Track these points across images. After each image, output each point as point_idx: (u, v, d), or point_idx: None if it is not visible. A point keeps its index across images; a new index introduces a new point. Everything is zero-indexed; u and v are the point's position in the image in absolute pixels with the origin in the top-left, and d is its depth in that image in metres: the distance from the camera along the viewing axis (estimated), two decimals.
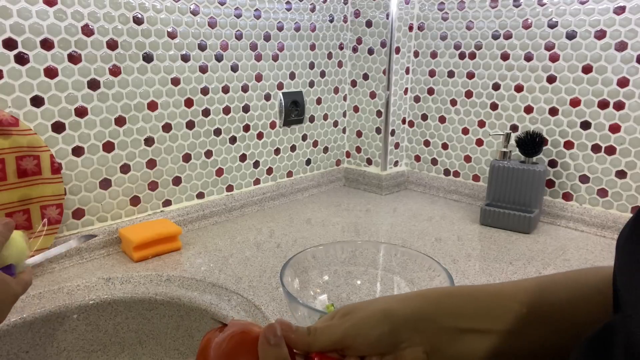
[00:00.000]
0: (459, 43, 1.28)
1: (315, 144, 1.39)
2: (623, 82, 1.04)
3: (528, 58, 1.17)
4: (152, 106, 1.01)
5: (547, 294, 0.42)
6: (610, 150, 1.08)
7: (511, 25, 1.18)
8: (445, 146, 1.37)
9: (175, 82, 1.03)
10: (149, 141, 1.02)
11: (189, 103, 1.07)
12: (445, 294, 0.43)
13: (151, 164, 1.03)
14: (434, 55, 1.34)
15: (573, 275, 0.45)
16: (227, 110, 1.14)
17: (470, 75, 1.28)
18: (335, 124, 1.43)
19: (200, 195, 1.14)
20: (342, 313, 0.41)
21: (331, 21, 1.33)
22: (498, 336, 0.40)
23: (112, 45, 0.92)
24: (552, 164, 1.17)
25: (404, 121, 1.43)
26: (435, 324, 0.40)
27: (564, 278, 0.45)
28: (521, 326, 0.41)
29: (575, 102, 1.12)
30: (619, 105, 1.06)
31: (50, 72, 0.86)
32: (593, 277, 0.43)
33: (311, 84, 1.32)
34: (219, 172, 1.16)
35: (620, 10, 1.02)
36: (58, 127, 0.89)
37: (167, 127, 1.04)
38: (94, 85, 0.91)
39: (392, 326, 0.39)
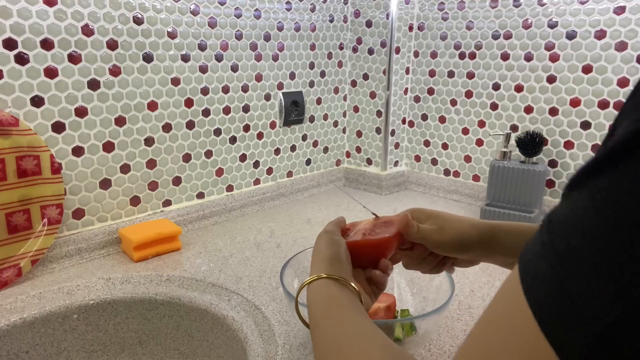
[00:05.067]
0: (459, 43, 1.28)
1: (315, 144, 1.39)
2: (623, 82, 1.04)
3: (528, 58, 1.17)
4: (152, 106, 1.01)
5: None
6: None
7: (511, 25, 1.18)
8: (445, 146, 1.37)
9: (175, 82, 1.03)
10: (149, 141, 1.02)
11: (189, 103, 1.07)
12: (505, 231, 0.56)
13: (151, 164, 1.03)
14: (434, 55, 1.34)
15: None
16: (227, 110, 1.14)
17: (470, 75, 1.28)
18: (335, 124, 1.43)
19: (200, 195, 1.14)
20: (437, 228, 0.58)
21: (331, 21, 1.33)
22: None
23: (112, 45, 0.92)
24: (552, 164, 1.17)
25: (404, 121, 1.43)
26: (496, 254, 0.56)
27: None
28: None
29: (575, 102, 1.12)
30: (619, 105, 1.06)
31: (50, 72, 0.86)
32: None
33: (311, 84, 1.32)
34: (219, 172, 1.16)
35: (620, 10, 1.02)
36: (58, 127, 0.89)
37: (167, 127, 1.04)
38: (94, 85, 0.91)
39: (465, 248, 0.57)
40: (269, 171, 1.28)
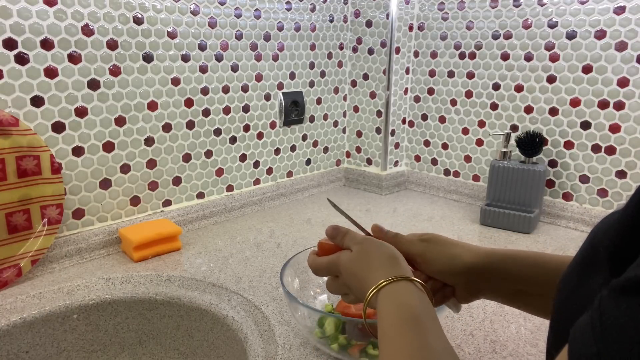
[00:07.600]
0: (459, 43, 1.28)
1: (315, 144, 1.39)
2: (623, 82, 1.04)
3: (528, 58, 1.17)
4: (152, 106, 1.01)
5: None
6: (610, 150, 1.08)
7: (511, 25, 1.18)
8: (445, 146, 1.37)
9: (175, 82, 1.03)
10: (149, 141, 1.02)
11: (189, 103, 1.07)
12: (510, 257, 0.53)
13: (151, 164, 1.03)
14: (434, 55, 1.34)
15: None
16: (227, 110, 1.14)
17: (470, 75, 1.28)
18: (335, 124, 1.43)
19: (200, 195, 1.14)
20: (425, 238, 0.55)
21: (331, 21, 1.33)
22: (538, 298, 0.51)
23: (112, 45, 0.92)
24: (552, 164, 1.17)
25: (404, 121, 1.43)
26: (496, 282, 0.52)
27: None
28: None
29: (575, 102, 1.12)
30: (619, 105, 1.06)
31: (50, 72, 0.86)
32: None
33: (311, 84, 1.32)
34: (219, 172, 1.16)
35: (620, 10, 1.02)
36: (58, 127, 0.89)
37: (167, 127, 1.04)
38: (94, 85, 0.91)
39: (456, 270, 0.53)
40: (269, 171, 1.28)
